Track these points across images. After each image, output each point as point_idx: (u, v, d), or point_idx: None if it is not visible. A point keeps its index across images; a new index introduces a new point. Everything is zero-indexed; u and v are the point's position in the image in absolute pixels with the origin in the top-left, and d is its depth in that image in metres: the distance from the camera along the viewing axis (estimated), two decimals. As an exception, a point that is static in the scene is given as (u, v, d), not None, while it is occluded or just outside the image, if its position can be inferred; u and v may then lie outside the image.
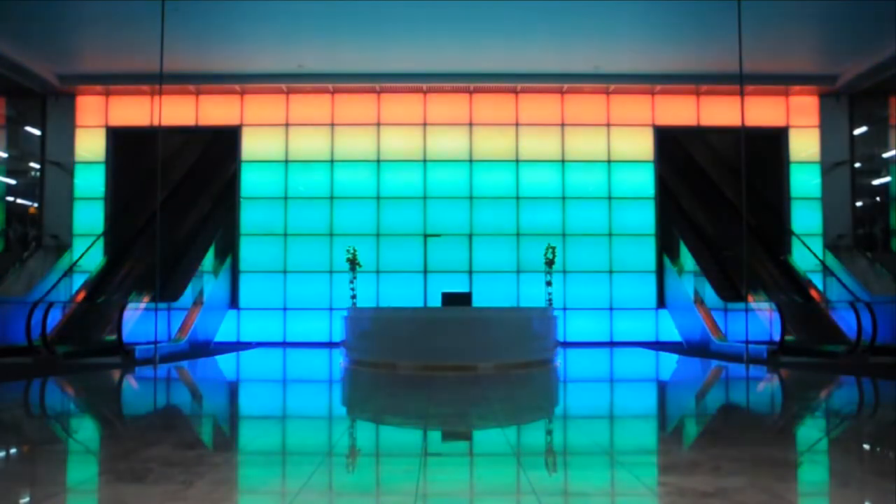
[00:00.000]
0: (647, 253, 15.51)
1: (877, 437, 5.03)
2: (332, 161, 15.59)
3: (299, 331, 15.25)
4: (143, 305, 13.42)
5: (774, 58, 13.74)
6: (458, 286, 14.66)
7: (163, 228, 11.89)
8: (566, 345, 14.20)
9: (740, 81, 11.88)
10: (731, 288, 14.78)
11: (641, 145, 15.67)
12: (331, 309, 15.15)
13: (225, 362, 11.43)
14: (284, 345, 14.88)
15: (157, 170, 11.57)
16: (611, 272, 15.46)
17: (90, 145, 15.60)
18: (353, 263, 12.61)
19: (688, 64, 14.37)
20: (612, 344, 15.02)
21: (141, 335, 12.24)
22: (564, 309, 15.13)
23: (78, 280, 14.59)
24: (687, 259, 15.26)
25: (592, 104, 15.68)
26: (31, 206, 15.99)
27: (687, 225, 16.88)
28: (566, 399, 7.61)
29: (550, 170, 15.60)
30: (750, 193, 13.04)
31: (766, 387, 8.29)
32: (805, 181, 15.63)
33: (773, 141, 15.88)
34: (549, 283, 11.62)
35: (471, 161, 15.60)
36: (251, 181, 15.63)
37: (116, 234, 15.77)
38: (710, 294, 14.22)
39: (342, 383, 8.88)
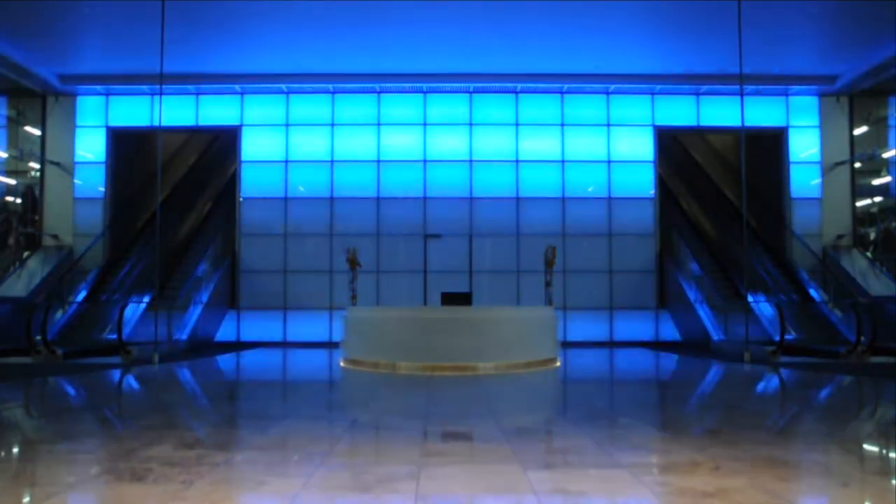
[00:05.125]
0: (647, 253, 15.50)
1: (877, 436, 5.03)
2: (332, 161, 15.59)
3: (299, 331, 15.25)
4: (143, 305, 13.44)
5: (774, 58, 13.74)
6: (458, 286, 14.65)
7: (163, 228, 11.89)
8: (566, 345, 14.20)
9: (740, 81, 11.90)
10: (731, 288, 14.80)
11: (641, 145, 15.68)
12: (331, 309, 15.16)
13: (225, 362, 11.43)
14: (284, 345, 14.89)
15: (158, 170, 11.58)
16: (611, 272, 15.46)
17: (90, 145, 15.61)
18: (353, 263, 12.60)
19: (688, 64, 14.38)
20: (612, 344, 15.02)
21: (141, 335, 12.25)
22: (564, 309, 15.13)
23: (78, 280, 14.59)
24: (687, 259, 15.26)
25: (592, 104, 15.69)
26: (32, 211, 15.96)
27: (687, 225, 16.90)
28: (566, 399, 7.62)
29: (550, 170, 15.60)
30: (750, 193, 13.05)
31: (765, 386, 8.29)
32: (805, 181, 15.63)
33: (773, 141, 15.89)
34: (548, 284, 11.60)
35: (471, 161, 15.60)
36: (251, 181, 15.63)
37: (116, 234, 15.78)
38: (710, 294, 14.23)
39: (342, 383, 8.89)
